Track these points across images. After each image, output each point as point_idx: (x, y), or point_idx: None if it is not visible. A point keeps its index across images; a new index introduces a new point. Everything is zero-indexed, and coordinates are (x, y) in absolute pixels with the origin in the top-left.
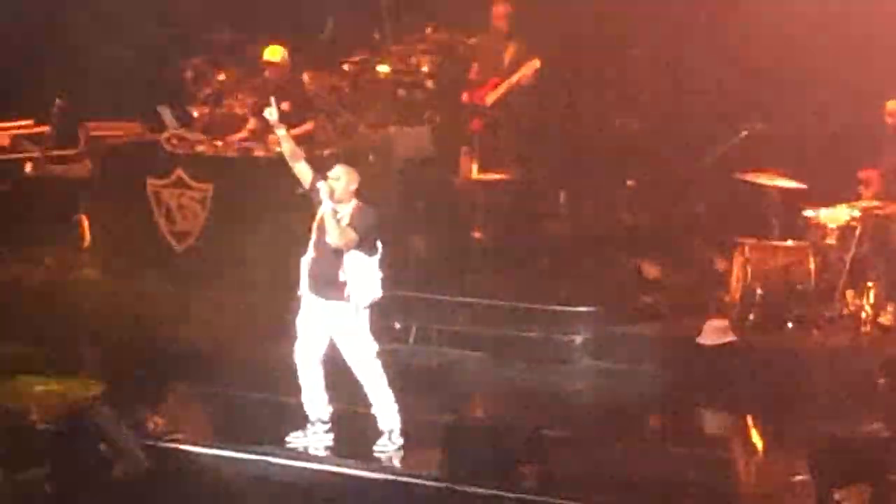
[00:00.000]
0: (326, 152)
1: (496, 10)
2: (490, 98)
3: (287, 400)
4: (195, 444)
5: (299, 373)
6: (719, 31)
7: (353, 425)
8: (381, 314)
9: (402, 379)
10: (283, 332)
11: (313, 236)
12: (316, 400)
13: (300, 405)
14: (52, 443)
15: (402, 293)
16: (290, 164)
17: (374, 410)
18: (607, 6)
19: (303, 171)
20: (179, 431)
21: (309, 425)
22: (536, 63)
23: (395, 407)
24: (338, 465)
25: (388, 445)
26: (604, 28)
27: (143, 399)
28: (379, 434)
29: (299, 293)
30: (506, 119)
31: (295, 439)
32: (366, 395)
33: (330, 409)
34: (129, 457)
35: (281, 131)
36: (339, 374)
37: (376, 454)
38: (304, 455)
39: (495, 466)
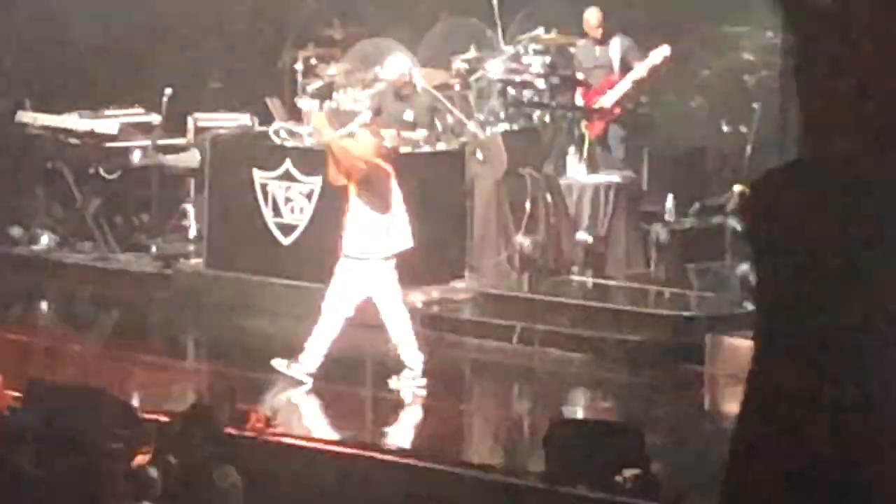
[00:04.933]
0: (435, 149)
1: (586, 17)
2: (610, 97)
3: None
4: (297, 437)
5: None
6: None
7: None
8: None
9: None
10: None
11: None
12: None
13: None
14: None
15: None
16: None
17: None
18: None
19: None
20: (280, 425)
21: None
22: (666, 50)
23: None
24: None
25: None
26: None
27: (244, 392)
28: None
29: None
30: (624, 119)
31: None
32: None
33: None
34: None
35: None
36: None
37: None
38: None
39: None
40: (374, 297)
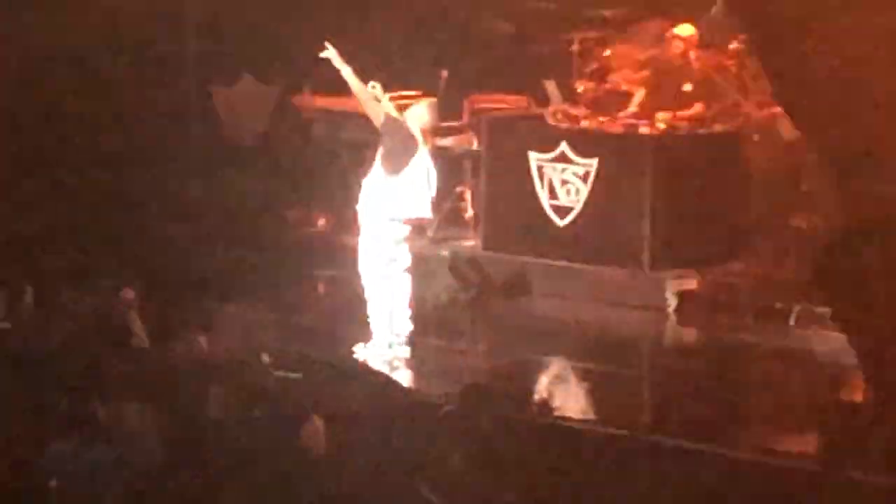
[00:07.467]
0: (711, 130)
1: None
2: None
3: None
4: (575, 421)
5: None
6: None
7: None
8: None
9: None
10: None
11: None
12: None
13: None
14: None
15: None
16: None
17: None
18: None
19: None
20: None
21: None
22: None
23: None
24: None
25: None
26: None
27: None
28: None
29: None
30: None
31: None
32: None
33: None
34: None
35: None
36: None
37: None
38: None
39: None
40: None
